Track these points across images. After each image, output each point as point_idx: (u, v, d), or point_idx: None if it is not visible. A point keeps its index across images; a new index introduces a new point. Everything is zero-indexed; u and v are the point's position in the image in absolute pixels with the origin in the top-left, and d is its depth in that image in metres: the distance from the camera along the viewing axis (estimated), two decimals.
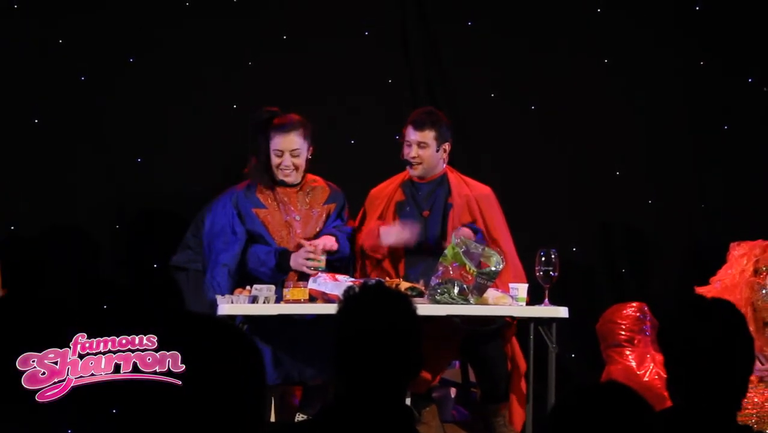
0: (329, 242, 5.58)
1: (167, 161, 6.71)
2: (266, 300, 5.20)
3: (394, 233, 5.72)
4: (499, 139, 6.99)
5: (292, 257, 5.55)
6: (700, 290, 5.96)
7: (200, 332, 2.21)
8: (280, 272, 5.57)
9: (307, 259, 5.48)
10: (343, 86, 6.89)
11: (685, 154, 7.15)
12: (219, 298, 5.22)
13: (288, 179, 5.69)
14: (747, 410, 5.34)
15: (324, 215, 5.78)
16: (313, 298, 5.27)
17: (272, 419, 5.89)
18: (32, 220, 6.50)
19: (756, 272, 5.72)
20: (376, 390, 2.74)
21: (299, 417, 5.68)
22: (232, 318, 5.19)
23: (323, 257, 5.50)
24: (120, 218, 6.67)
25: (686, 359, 2.86)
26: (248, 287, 5.33)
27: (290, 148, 5.63)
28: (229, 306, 5.15)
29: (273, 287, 5.26)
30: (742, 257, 5.81)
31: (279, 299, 5.26)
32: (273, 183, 5.73)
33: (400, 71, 7.05)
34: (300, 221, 5.70)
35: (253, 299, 5.20)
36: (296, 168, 5.69)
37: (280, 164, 5.65)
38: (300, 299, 5.20)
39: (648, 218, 7.11)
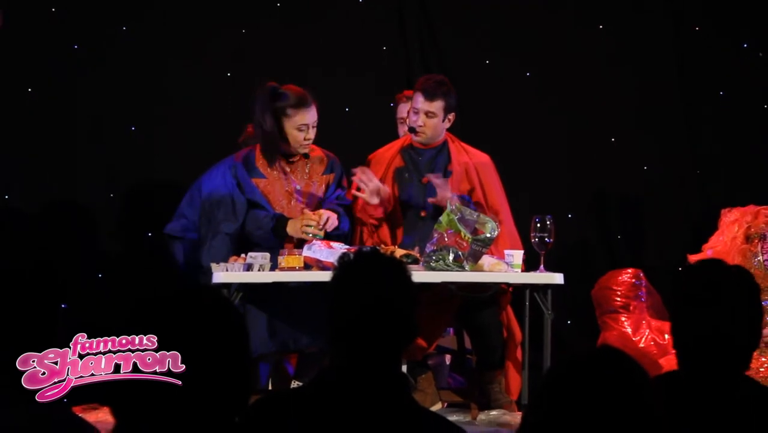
0: (332, 218, 5.54)
1: (161, 130, 6.71)
2: (261, 268, 5.19)
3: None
4: (493, 107, 6.98)
5: (290, 223, 5.53)
6: (693, 257, 5.97)
7: (180, 302, 2.20)
8: (276, 237, 5.56)
9: (307, 226, 5.46)
10: (337, 54, 6.88)
11: (680, 121, 7.15)
12: (213, 266, 5.21)
13: (307, 150, 5.67)
14: None
15: (323, 186, 5.75)
16: (308, 265, 5.26)
17: (269, 387, 5.90)
18: (26, 189, 6.50)
19: (747, 238, 5.73)
20: (371, 357, 2.73)
21: (295, 385, 5.69)
22: (226, 286, 5.19)
23: (322, 229, 5.48)
24: (114, 186, 6.67)
25: (693, 322, 2.85)
26: (243, 255, 5.32)
27: (313, 121, 5.61)
28: (224, 274, 5.15)
29: (268, 254, 5.25)
30: (733, 223, 5.81)
31: (274, 266, 5.25)
32: (279, 155, 5.68)
33: (394, 38, 7.03)
34: (301, 191, 5.69)
35: (248, 267, 5.19)
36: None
37: (304, 138, 5.60)
38: (295, 267, 5.19)
39: (643, 185, 7.12)
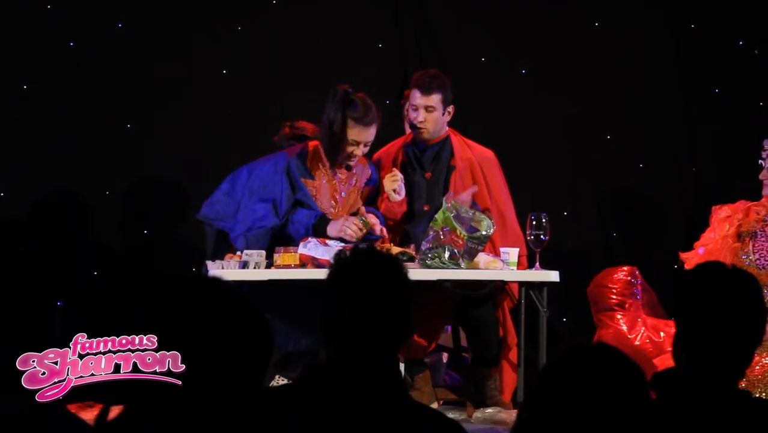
0: (378, 227, 5.52)
1: (157, 127, 6.70)
2: (257, 265, 5.18)
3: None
4: (489, 104, 6.97)
5: (332, 222, 5.47)
6: (684, 255, 5.97)
7: (200, 296, 2.21)
8: (314, 235, 5.48)
9: (349, 227, 5.40)
10: (333, 51, 6.87)
11: (676, 118, 7.15)
12: (209, 263, 5.21)
13: (351, 164, 5.62)
14: None
15: (365, 196, 5.73)
16: (303, 263, 5.25)
17: None
18: (22, 186, 6.49)
19: (739, 236, 5.73)
20: (368, 354, 2.73)
21: (279, 380, 5.66)
22: (239, 284, 5.15)
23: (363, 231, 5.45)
24: (111, 184, 6.66)
25: (697, 323, 2.86)
26: (239, 252, 5.31)
27: (367, 141, 5.56)
28: (220, 271, 5.14)
29: (263, 252, 5.24)
30: (724, 221, 5.81)
31: (270, 264, 5.24)
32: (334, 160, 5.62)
33: (390, 36, 7.03)
34: (345, 197, 5.65)
35: (244, 265, 5.18)
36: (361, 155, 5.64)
37: (352, 153, 5.56)
38: (290, 264, 5.18)
39: (639, 182, 7.12)
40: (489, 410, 5.55)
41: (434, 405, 5.65)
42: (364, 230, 5.43)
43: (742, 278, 2.92)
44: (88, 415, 5.02)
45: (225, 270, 5.16)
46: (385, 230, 5.57)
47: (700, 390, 2.81)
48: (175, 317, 2.21)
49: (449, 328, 6.15)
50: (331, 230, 5.44)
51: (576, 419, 2.15)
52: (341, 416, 2.68)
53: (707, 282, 2.90)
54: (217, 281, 2.26)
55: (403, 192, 5.64)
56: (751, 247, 5.67)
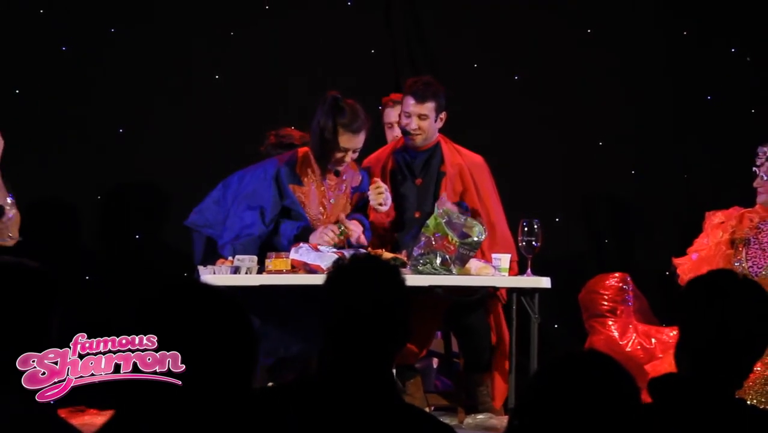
0: (362, 238, 5.51)
1: (149, 132, 6.69)
2: (248, 271, 5.18)
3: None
4: (481, 110, 6.98)
5: (313, 233, 5.45)
6: (677, 260, 5.97)
7: (188, 298, 2.21)
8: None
9: (328, 233, 5.39)
10: (326, 57, 6.87)
11: (668, 125, 7.16)
12: (201, 269, 5.21)
13: (339, 169, 5.61)
14: None
15: (355, 202, 5.73)
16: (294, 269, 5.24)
17: None
18: (14, 190, 6.48)
19: (732, 243, 5.73)
20: (365, 361, 2.74)
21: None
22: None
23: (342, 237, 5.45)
24: (102, 188, 6.66)
25: (703, 329, 2.85)
26: (230, 258, 5.31)
27: (356, 147, 5.56)
28: (211, 277, 5.14)
29: (255, 257, 5.24)
30: (717, 227, 5.81)
31: (262, 269, 5.24)
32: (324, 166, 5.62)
33: (382, 42, 7.03)
34: (333, 204, 5.65)
35: (235, 270, 5.18)
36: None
37: (342, 158, 5.55)
38: (282, 270, 5.18)
39: (631, 189, 7.12)
40: (480, 416, 5.55)
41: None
42: (343, 237, 5.42)
43: (752, 287, 2.92)
44: (78, 420, 5.03)
45: (217, 275, 5.15)
46: (363, 238, 5.54)
47: (698, 396, 2.81)
48: (164, 317, 2.21)
49: (439, 334, 6.15)
50: (312, 239, 5.43)
51: (567, 425, 2.15)
52: (335, 419, 2.69)
53: (717, 289, 2.90)
54: (199, 282, 2.27)
55: (389, 202, 5.62)
56: (744, 254, 5.68)
